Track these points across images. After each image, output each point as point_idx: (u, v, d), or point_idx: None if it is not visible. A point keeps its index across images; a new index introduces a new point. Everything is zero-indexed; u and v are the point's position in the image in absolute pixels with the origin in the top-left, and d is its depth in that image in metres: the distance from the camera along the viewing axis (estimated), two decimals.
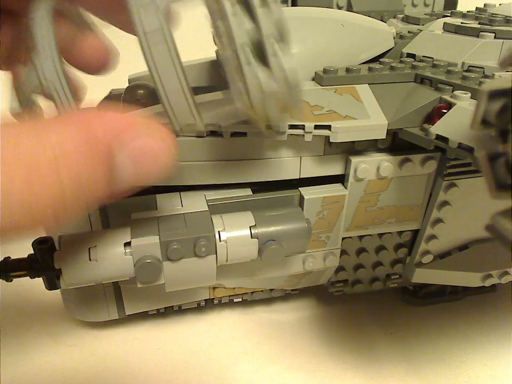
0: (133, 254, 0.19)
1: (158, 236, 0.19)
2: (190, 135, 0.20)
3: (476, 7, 0.30)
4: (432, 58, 0.24)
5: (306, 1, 0.33)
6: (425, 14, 0.30)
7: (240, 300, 0.27)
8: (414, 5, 0.37)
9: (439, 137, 0.19)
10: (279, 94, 0.14)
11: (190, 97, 0.15)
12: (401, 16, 0.31)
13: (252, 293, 0.27)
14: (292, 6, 0.34)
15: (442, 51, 0.24)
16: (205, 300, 0.27)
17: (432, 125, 0.20)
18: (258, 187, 0.23)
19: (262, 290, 0.27)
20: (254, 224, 0.20)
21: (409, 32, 0.27)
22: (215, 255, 0.20)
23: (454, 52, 0.24)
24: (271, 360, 0.25)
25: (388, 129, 0.21)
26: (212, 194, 0.22)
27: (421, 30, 0.26)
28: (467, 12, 0.28)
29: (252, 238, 0.20)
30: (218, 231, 0.20)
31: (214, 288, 0.26)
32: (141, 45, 0.14)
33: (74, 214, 0.12)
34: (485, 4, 0.31)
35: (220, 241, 0.20)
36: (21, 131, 0.11)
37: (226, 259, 0.20)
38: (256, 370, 0.25)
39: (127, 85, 0.24)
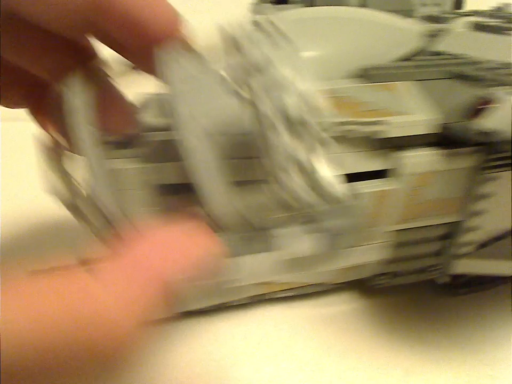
0: None
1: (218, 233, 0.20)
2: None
3: (495, 7, 0.31)
4: (466, 55, 0.25)
5: (325, 1, 0.33)
6: (446, 12, 0.31)
7: (292, 294, 0.28)
8: (424, 5, 0.38)
9: (485, 131, 0.20)
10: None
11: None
12: (421, 15, 0.32)
13: (301, 287, 0.28)
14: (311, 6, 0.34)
15: (474, 49, 0.25)
16: (254, 296, 0.27)
17: (478, 119, 0.21)
18: None
19: (310, 285, 0.28)
20: (310, 219, 0.21)
21: (438, 30, 0.28)
22: (273, 251, 0.21)
23: (486, 49, 0.25)
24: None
25: (434, 124, 0.22)
26: None
27: (448, 29, 0.28)
28: (489, 11, 0.29)
29: (309, 232, 0.21)
30: (275, 227, 0.21)
31: (265, 284, 0.26)
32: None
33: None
34: (503, 4, 0.32)
35: (277, 237, 0.21)
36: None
37: (284, 255, 0.21)
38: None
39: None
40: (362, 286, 0.29)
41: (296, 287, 0.28)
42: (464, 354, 0.26)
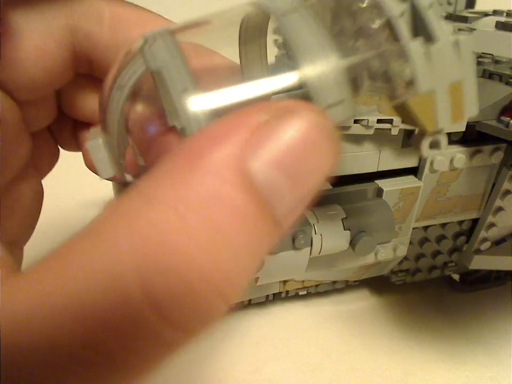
0: None
1: None
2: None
3: None
4: (492, 55, 0.25)
5: None
6: (468, 12, 0.32)
7: (305, 292, 0.28)
8: (439, 4, 0.38)
9: None
10: (456, 78, 0.11)
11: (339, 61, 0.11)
12: (443, 14, 0.32)
13: (317, 285, 0.28)
14: None
15: (499, 48, 0.26)
16: (273, 293, 0.27)
17: (509, 117, 0.21)
18: (334, 181, 0.23)
19: (326, 283, 0.28)
20: (345, 216, 0.21)
21: (459, 30, 0.28)
22: (309, 248, 0.21)
23: (511, 48, 0.25)
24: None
25: (466, 123, 0.22)
26: None
27: (471, 28, 0.28)
28: (507, 10, 0.30)
29: (344, 230, 0.21)
30: (313, 224, 0.21)
31: (285, 281, 0.26)
32: None
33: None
34: None
35: (316, 233, 0.20)
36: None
37: (320, 251, 0.21)
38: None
39: None
40: (362, 285, 0.30)
41: (310, 286, 0.27)
42: (464, 355, 0.26)
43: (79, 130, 0.18)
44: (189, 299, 0.08)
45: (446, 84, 0.12)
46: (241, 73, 0.15)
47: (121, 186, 0.22)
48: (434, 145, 0.13)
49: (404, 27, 0.11)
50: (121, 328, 0.08)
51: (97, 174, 0.14)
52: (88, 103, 0.16)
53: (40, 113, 0.16)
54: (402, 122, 0.14)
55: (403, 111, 0.13)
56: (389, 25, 0.11)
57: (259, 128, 0.08)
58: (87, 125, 0.17)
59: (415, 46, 0.11)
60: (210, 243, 0.08)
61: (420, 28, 0.11)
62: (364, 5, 0.12)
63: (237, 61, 0.15)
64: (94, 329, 0.08)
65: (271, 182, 0.08)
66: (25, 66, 0.14)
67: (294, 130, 0.09)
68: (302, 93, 0.11)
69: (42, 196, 0.18)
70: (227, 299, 0.08)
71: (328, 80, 0.11)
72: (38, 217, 0.18)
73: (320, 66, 0.11)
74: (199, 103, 0.10)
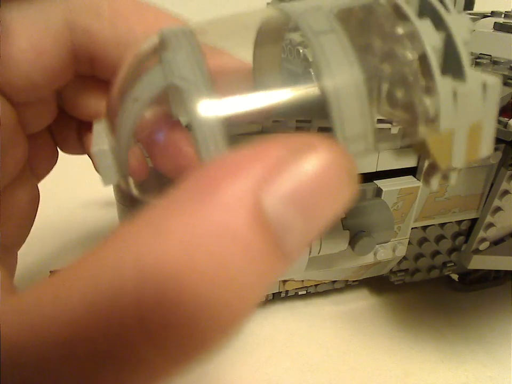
0: None
1: None
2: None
3: None
4: (490, 55, 0.25)
5: None
6: (467, 13, 0.32)
7: (305, 292, 0.28)
8: None
9: None
10: (478, 119, 0.11)
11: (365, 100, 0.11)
12: None
13: (316, 285, 0.28)
14: None
15: (497, 49, 0.26)
16: (273, 293, 0.27)
17: (507, 117, 0.21)
18: None
19: (326, 282, 0.28)
20: (344, 216, 0.21)
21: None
22: (309, 248, 0.21)
23: (510, 49, 0.25)
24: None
25: None
26: None
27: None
28: (505, 12, 0.30)
29: (343, 229, 0.21)
30: None
31: (284, 281, 0.26)
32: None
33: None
34: None
35: None
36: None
37: (319, 251, 0.21)
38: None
39: None
40: (362, 285, 0.30)
41: (310, 285, 0.27)
42: (463, 355, 0.26)
43: (84, 132, 0.17)
44: (189, 334, 0.08)
45: (467, 124, 0.11)
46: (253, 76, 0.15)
47: (124, 203, 0.22)
48: (443, 179, 0.13)
49: (436, 61, 0.11)
50: (111, 354, 0.08)
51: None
52: (92, 102, 0.16)
53: (38, 115, 0.16)
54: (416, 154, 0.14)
55: (418, 145, 0.12)
56: (422, 56, 0.11)
57: (276, 163, 0.08)
58: (92, 126, 0.17)
59: (445, 84, 0.11)
60: (216, 278, 0.08)
61: (449, 63, 0.11)
62: (401, 33, 0.12)
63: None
64: (85, 356, 0.08)
65: (283, 218, 0.08)
66: (20, 66, 0.13)
67: (311, 167, 0.08)
68: (321, 110, 0.11)
69: (38, 200, 0.17)
70: (226, 332, 0.08)
71: (352, 102, 0.11)
72: (33, 221, 0.17)
73: (346, 86, 0.10)
74: (213, 111, 0.10)
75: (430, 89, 0.11)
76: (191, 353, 0.08)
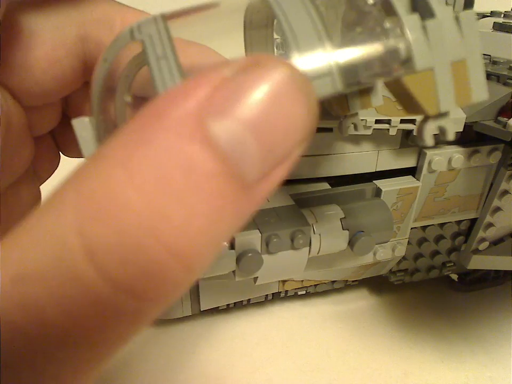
0: (235, 248, 0.19)
1: (258, 230, 0.20)
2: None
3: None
4: (490, 55, 0.25)
5: None
6: None
7: (304, 292, 0.28)
8: None
9: None
10: (459, 56, 0.11)
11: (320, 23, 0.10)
12: None
13: (316, 285, 0.28)
14: None
15: (496, 49, 0.26)
16: (272, 293, 0.27)
17: (507, 117, 0.21)
18: (332, 181, 0.24)
19: (325, 282, 0.28)
20: (343, 216, 0.21)
21: None
22: (308, 248, 0.21)
23: (509, 49, 0.25)
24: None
25: (465, 123, 0.22)
26: (292, 189, 0.23)
27: None
28: (505, 12, 0.30)
29: (343, 229, 0.21)
30: (312, 224, 0.21)
31: (284, 281, 0.26)
32: None
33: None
34: None
35: (314, 233, 0.21)
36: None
37: (318, 251, 0.21)
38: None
39: None
40: (361, 285, 0.30)
41: (309, 285, 0.27)
42: (463, 355, 0.26)
43: None
44: (136, 259, 0.07)
45: (446, 61, 0.11)
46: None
47: None
48: (440, 134, 0.12)
49: (400, 2, 0.10)
50: (74, 303, 0.07)
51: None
52: None
53: (45, 119, 0.16)
54: (406, 111, 0.13)
55: (404, 97, 0.12)
56: (385, 4, 0.10)
57: (223, 83, 0.08)
58: None
59: (411, 20, 0.10)
60: (160, 198, 0.07)
61: (419, 8, 0.11)
62: None
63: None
64: (45, 307, 0.07)
65: (236, 141, 0.08)
66: (35, 73, 0.14)
67: (262, 83, 0.08)
68: None
69: (40, 202, 0.18)
70: (182, 261, 0.08)
71: (308, 29, 0.10)
72: None
73: (303, 22, 0.10)
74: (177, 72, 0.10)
75: (397, 29, 0.10)
76: (155, 287, 0.08)
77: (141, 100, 0.13)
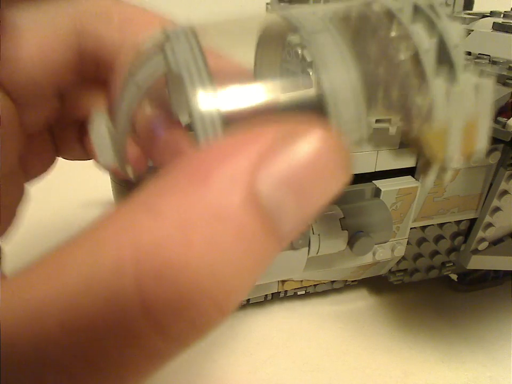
0: None
1: None
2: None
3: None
4: (489, 55, 0.25)
5: None
6: (466, 13, 0.32)
7: (304, 292, 0.28)
8: None
9: None
10: (471, 118, 0.12)
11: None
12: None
13: (315, 285, 0.28)
14: None
15: (496, 49, 0.26)
16: (272, 293, 0.27)
17: (506, 117, 0.21)
18: None
19: (324, 283, 0.28)
20: (343, 216, 0.21)
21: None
22: (307, 248, 0.21)
23: (508, 49, 0.25)
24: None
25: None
26: None
27: (469, 30, 0.28)
28: (504, 12, 0.30)
29: (342, 230, 0.21)
30: (311, 224, 0.21)
31: (283, 281, 0.26)
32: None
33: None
34: None
35: (313, 233, 0.21)
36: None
37: (318, 251, 0.21)
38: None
39: None
40: (361, 285, 0.30)
41: (309, 285, 0.27)
42: (463, 355, 0.26)
43: (85, 135, 0.17)
44: (185, 311, 0.08)
45: (461, 122, 0.12)
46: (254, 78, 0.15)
47: (120, 184, 0.22)
48: (439, 173, 0.13)
49: (429, 63, 0.11)
50: (111, 337, 0.08)
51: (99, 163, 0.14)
52: (94, 103, 0.16)
53: (38, 114, 0.16)
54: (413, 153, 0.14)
55: (415, 142, 0.13)
56: (415, 57, 0.12)
57: (271, 145, 0.08)
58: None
59: (438, 85, 0.11)
60: (211, 258, 0.08)
61: (443, 66, 0.12)
62: (393, 35, 0.12)
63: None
64: (84, 338, 0.08)
65: (277, 201, 0.08)
66: (24, 66, 0.14)
67: (305, 149, 0.09)
68: (317, 105, 0.11)
69: (24, 200, 0.17)
70: (224, 311, 0.08)
71: (347, 97, 0.11)
72: (15, 221, 0.17)
73: (341, 82, 0.11)
74: (214, 104, 0.10)
75: (424, 89, 0.12)
76: (191, 333, 0.08)
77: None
